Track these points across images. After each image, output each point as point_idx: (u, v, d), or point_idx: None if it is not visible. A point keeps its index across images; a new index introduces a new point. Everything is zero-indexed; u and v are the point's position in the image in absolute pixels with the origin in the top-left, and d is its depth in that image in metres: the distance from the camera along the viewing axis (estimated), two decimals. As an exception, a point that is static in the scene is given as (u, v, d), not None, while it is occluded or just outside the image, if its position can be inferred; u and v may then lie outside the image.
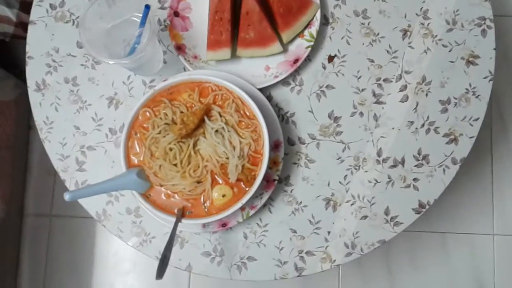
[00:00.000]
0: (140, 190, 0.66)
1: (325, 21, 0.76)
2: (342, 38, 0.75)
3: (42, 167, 1.35)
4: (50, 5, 0.78)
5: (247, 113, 0.67)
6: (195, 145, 0.67)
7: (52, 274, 1.36)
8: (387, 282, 1.34)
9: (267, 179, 0.69)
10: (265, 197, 0.70)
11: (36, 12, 0.79)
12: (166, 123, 0.66)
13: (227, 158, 0.65)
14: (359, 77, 0.74)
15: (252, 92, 0.69)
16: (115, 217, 0.74)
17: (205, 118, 0.66)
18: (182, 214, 0.65)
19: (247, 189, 0.66)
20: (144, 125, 0.67)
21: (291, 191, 0.73)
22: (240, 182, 0.66)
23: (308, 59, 0.75)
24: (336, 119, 0.74)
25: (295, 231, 0.72)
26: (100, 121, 0.76)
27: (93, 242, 1.36)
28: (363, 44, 0.75)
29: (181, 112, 0.67)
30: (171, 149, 0.66)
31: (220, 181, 0.66)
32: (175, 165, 0.66)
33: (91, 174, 0.75)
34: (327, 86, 0.74)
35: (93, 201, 0.74)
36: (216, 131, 0.66)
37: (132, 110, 0.67)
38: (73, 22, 0.78)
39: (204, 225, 0.70)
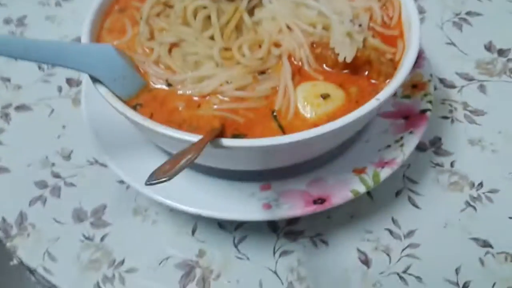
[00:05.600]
0: (121, 89, 0.27)
1: None
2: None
3: None
4: None
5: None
6: (251, 11, 0.30)
7: None
8: None
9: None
10: (412, 142, 0.29)
11: None
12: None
13: (325, 28, 0.29)
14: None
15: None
16: (43, 229, 0.31)
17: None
18: (221, 133, 0.24)
19: (378, 83, 0.27)
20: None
21: (451, 165, 0.33)
22: (359, 70, 0.28)
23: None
24: (502, 52, 0.40)
25: (488, 244, 0.29)
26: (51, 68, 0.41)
27: None
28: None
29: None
30: (196, 11, 0.29)
31: (314, 76, 0.28)
32: (210, 38, 0.28)
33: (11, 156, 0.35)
34: (468, 13, 0.43)
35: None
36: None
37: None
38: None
39: (267, 186, 0.27)
